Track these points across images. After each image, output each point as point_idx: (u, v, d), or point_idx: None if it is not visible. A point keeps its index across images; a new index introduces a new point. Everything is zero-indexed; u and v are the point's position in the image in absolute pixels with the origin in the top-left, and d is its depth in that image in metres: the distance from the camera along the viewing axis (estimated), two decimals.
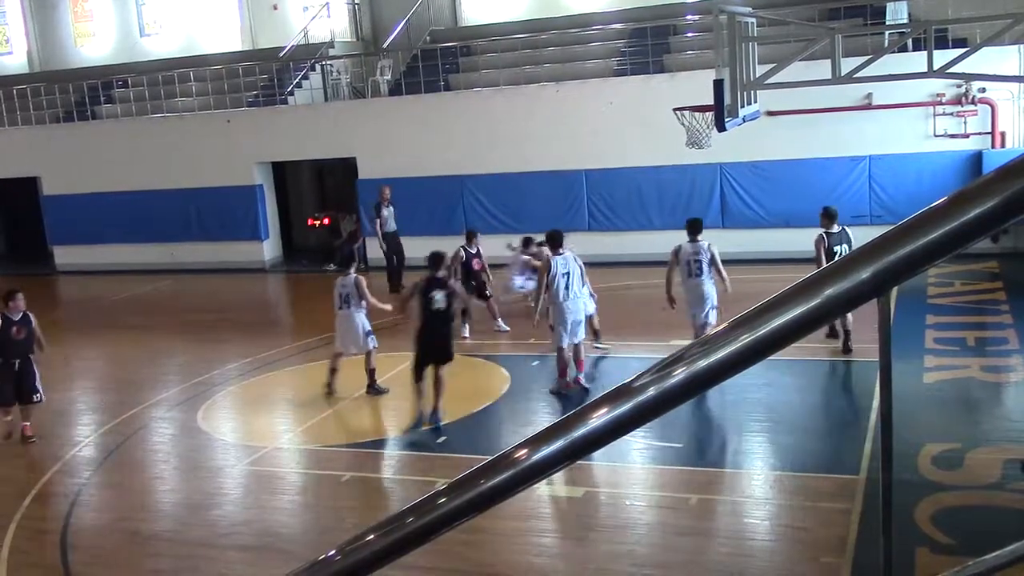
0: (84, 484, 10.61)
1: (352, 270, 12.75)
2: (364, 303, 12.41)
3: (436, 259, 11.33)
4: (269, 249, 23.77)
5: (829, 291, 1.15)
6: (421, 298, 11.06)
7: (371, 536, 1.40)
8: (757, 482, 9.51)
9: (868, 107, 18.55)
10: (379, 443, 11.38)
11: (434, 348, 11.07)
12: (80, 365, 16.74)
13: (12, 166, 25.65)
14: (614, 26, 22.99)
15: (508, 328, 15.18)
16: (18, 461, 11.38)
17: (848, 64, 12.48)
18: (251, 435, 12.11)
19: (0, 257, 27.82)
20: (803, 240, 18.42)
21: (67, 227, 24.97)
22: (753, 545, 8.23)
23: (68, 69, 28.91)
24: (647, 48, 21.15)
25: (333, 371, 12.60)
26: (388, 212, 19.55)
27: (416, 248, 20.87)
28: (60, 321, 20.05)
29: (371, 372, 12.47)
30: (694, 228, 12.52)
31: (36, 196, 26.05)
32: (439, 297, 10.97)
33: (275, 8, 27.07)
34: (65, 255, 25.31)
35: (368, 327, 12.45)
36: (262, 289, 22.54)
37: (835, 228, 12.68)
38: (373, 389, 12.52)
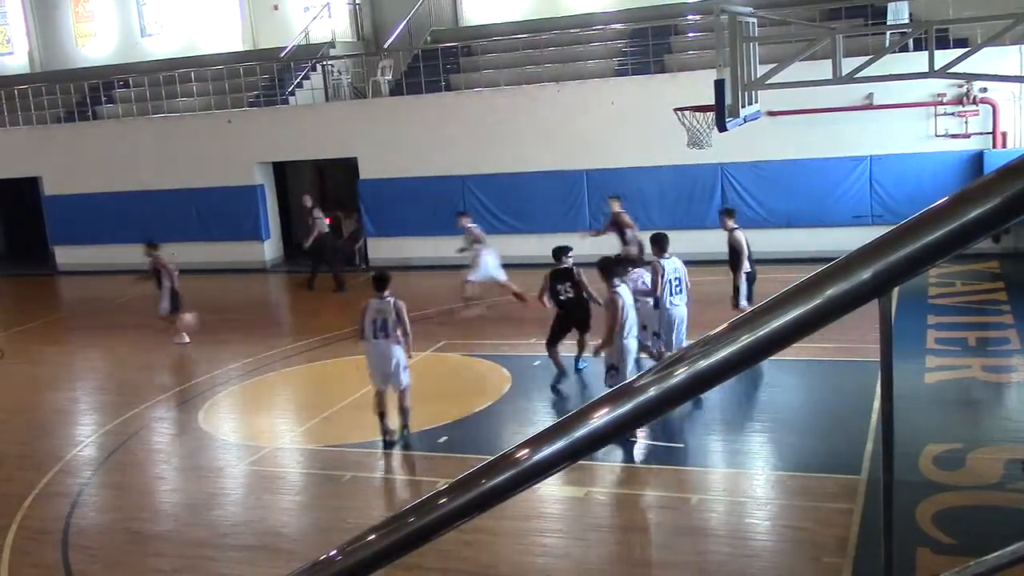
0: (85, 484, 10.62)
1: (388, 293, 10.66)
2: (403, 331, 10.59)
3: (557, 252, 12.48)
4: (270, 249, 23.77)
5: (830, 291, 1.15)
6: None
7: (372, 536, 1.40)
8: (758, 482, 9.51)
9: (869, 107, 18.55)
10: (380, 443, 11.37)
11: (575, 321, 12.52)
12: (81, 365, 16.75)
13: (13, 166, 25.67)
14: (615, 26, 23.00)
15: (188, 340, 16.16)
16: (20, 461, 11.38)
17: (849, 64, 12.47)
18: (252, 435, 12.12)
19: (1, 257, 27.83)
20: (804, 240, 18.54)
21: (68, 227, 24.98)
22: (754, 545, 8.23)
23: (69, 69, 28.91)
24: (648, 48, 21.15)
25: (381, 415, 10.72)
26: (320, 216, 20.39)
27: (419, 248, 20.98)
28: (61, 321, 20.07)
29: (405, 412, 10.82)
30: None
31: (37, 196, 26.06)
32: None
33: (276, 8, 27.07)
34: (66, 255, 25.32)
35: (405, 361, 10.68)
36: (263, 289, 22.55)
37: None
38: (407, 430, 10.89)
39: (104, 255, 24.39)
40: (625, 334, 10.49)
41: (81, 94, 26.70)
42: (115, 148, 24.16)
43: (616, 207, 16.42)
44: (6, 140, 25.70)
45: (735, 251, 13.14)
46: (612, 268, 10.72)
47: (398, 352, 10.55)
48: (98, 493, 10.51)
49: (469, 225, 16.66)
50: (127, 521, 9.62)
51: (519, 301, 15.63)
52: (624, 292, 10.60)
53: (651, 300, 11.67)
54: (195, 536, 9.13)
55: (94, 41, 29.82)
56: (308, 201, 20.53)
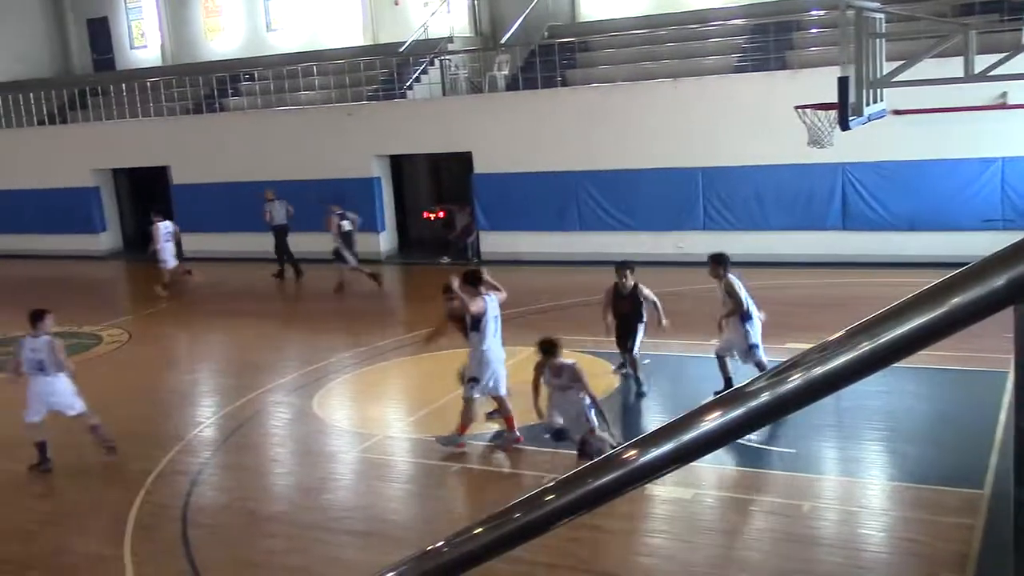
0: (204, 464, 11.01)
1: (43, 330, 10.63)
2: (63, 366, 10.67)
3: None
4: (385, 240, 24.18)
5: (957, 299, 1.10)
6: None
7: (479, 529, 1.41)
8: (873, 492, 9.24)
9: (1003, 107, 17.76)
10: (488, 436, 11.45)
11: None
12: (203, 348, 17.37)
13: (145, 155, 26.75)
14: (735, 22, 22.63)
15: None
16: (144, 439, 11.86)
17: (982, 61, 11.97)
18: (363, 423, 12.36)
19: (132, 243, 28.98)
20: (928, 244, 17.90)
21: (194, 215, 25.87)
22: (867, 556, 8.00)
23: (198, 63, 30.00)
24: (769, 44, 20.73)
25: (41, 445, 10.76)
26: (270, 206, 21.92)
27: (531, 243, 21.01)
28: (186, 305, 20.84)
29: (96, 430, 10.96)
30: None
31: (166, 185, 27.10)
32: None
33: (396, 4, 27.53)
34: (192, 242, 26.23)
35: (72, 387, 10.76)
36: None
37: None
38: (107, 448, 11.02)
39: (228, 243, 25.21)
40: (486, 346, 10.49)
41: (209, 87, 27.67)
42: (239, 140, 24.93)
43: (337, 210, 19.84)
44: (139, 130, 26.79)
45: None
46: (477, 277, 10.99)
47: (61, 383, 10.65)
48: (216, 473, 10.88)
49: None
50: (243, 501, 9.95)
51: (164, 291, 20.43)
52: (490, 299, 10.64)
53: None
54: (307, 519, 9.37)
55: (222, 35, 30.87)
56: (270, 195, 22.08)
